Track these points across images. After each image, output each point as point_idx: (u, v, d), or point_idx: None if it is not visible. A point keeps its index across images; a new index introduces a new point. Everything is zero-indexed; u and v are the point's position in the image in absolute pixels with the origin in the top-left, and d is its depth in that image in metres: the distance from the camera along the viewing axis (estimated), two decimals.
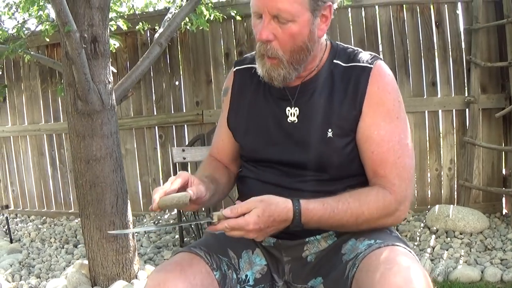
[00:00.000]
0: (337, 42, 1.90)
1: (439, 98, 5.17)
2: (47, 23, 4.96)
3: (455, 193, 5.21)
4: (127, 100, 5.08)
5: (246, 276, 1.79)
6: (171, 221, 5.71)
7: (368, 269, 1.50)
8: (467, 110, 5.06)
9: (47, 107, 6.47)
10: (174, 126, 5.92)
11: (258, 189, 1.84)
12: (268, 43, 1.68)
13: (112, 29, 4.61)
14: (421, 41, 5.19)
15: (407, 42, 5.21)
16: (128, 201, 3.79)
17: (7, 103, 6.71)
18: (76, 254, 4.79)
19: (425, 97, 5.20)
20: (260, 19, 1.68)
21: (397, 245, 1.58)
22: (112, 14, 4.74)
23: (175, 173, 5.01)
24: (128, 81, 3.91)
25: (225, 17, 5.15)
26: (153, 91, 5.98)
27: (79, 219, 3.99)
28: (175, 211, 5.43)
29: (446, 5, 5.12)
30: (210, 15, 4.93)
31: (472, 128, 4.96)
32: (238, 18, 5.22)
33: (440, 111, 5.19)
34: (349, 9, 5.27)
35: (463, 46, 5.13)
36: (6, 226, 5.57)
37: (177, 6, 4.64)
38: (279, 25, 1.65)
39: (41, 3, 4.82)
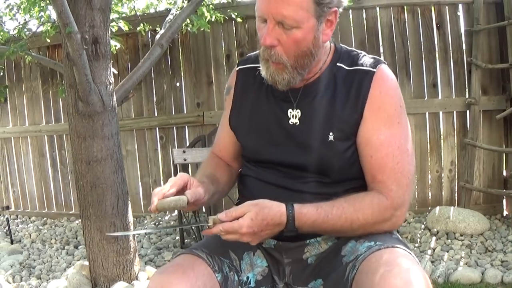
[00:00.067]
0: (341, 44, 1.89)
1: (440, 100, 5.17)
2: (48, 24, 4.97)
3: (456, 194, 5.21)
4: (128, 101, 5.08)
5: (248, 278, 1.79)
6: (172, 223, 5.71)
7: (368, 271, 1.49)
8: (468, 111, 5.06)
9: (48, 108, 6.46)
10: (175, 128, 5.92)
11: (258, 189, 1.85)
12: (272, 48, 1.67)
13: (113, 30, 4.61)
14: (422, 43, 5.19)
15: (408, 43, 5.21)
16: (129, 202, 3.80)
17: (8, 104, 6.71)
18: (77, 255, 4.79)
19: (426, 98, 5.20)
20: (264, 23, 1.67)
21: (397, 247, 1.57)
22: (113, 15, 4.75)
23: (175, 175, 5.01)
24: (129, 82, 3.91)
25: (226, 18, 5.16)
26: (154, 92, 5.98)
27: (80, 220, 4.00)
28: (176, 212, 5.43)
29: (447, 7, 5.12)
30: (211, 17, 4.93)
31: (472, 130, 4.96)
32: (239, 19, 5.22)
33: (441, 113, 5.20)
34: (350, 11, 5.27)
35: (464, 48, 5.13)
36: (7, 227, 5.57)
37: (178, 8, 4.64)
38: (283, 30, 1.64)
39: (42, 4, 4.83)
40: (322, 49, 1.76)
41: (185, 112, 5.87)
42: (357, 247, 1.67)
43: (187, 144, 5.62)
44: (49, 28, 4.88)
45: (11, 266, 4.56)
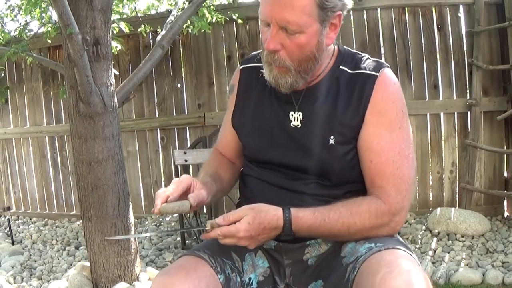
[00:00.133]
0: (344, 47, 1.88)
1: (441, 101, 5.17)
2: (49, 25, 4.97)
3: (457, 195, 5.21)
4: (129, 102, 5.09)
5: (250, 279, 1.79)
6: (173, 224, 5.70)
7: (368, 272, 1.49)
8: (469, 112, 5.06)
9: (49, 109, 6.47)
10: (176, 129, 5.92)
11: (259, 189, 1.85)
12: (276, 53, 1.67)
13: (114, 31, 4.61)
14: (423, 44, 5.19)
15: (409, 45, 5.22)
16: (130, 203, 3.80)
17: (9, 105, 6.71)
18: (78, 256, 4.79)
19: (427, 99, 5.20)
20: (268, 27, 1.67)
21: (398, 248, 1.57)
22: (114, 17, 4.75)
23: (176, 176, 5.02)
24: (130, 84, 3.91)
25: (227, 19, 5.16)
26: (155, 94, 5.98)
27: (81, 221, 4.00)
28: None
29: (448, 8, 5.13)
30: (212, 18, 4.93)
31: (473, 131, 4.96)
32: (240, 21, 5.22)
33: (442, 114, 5.20)
34: (351, 12, 5.27)
35: (465, 49, 5.13)
36: (8, 228, 5.57)
37: (179, 9, 4.65)
38: (287, 35, 1.63)
39: (43, 6, 4.83)
40: (325, 52, 1.76)
41: (186, 113, 5.88)
42: (357, 248, 1.67)
43: (188, 145, 5.63)
44: (50, 29, 4.88)
45: (12, 267, 4.56)
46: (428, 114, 5.20)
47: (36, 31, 5.27)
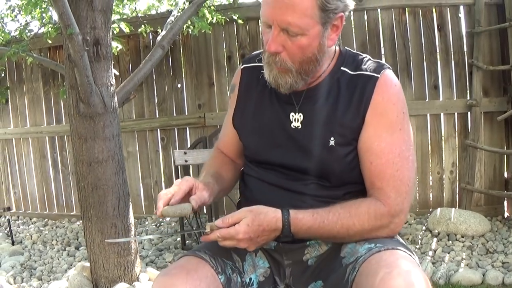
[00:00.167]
0: (346, 48, 1.87)
1: (441, 101, 5.17)
2: (50, 25, 4.98)
3: (457, 196, 5.21)
4: (129, 102, 5.09)
5: (250, 279, 1.80)
6: (173, 224, 5.70)
7: (368, 273, 1.49)
8: (469, 113, 5.06)
9: (49, 109, 6.47)
10: (176, 129, 5.92)
11: (260, 189, 1.86)
12: (277, 54, 1.67)
13: (115, 31, 4.62)
14: (423, 44, 5.19)
15: (409, 45, 5.21)
16: (130, 203, 3.80)
17: (9, 105, 6.71)
18: (78, 256, 4.79)
19: (427, 100, 5.20)
20: (269, 28, 1.66)
21: (398, 249, 1.57)
22: (114, 17, 4.75)
23: (177, 176, 5.02)
24: (130, 84, 3.91)
25: (227, 20, 5.16)
26: (155, 94, 5.98)
27: (81, 221, 4.00)
28: None
29: (448, 9, 5.12)
30: (212, 18, 4.93)
31: (474, 131, 4.96)
32: (240, 21, 5.22)
33: (442, 114, 5.20)
34: (352, 12, 5.22)
35: (465, 50, 5.12)
36: (8, 228, 5.57)
37: (179, 9, 4.65)
38: (288, 37, 1.63)
39: (43, 6, 4.83)
40: (327, 54, 1.76)
41: (186, 113, 5.88)
42: (357, 249, 1.67)
43: (188, 146, 5.63)
44: (50, 29, 4.89)
45: (12, 267, 4.57)
46: (428, 115, 5.20)
47: (36, 32, 5.28)
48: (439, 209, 4.82)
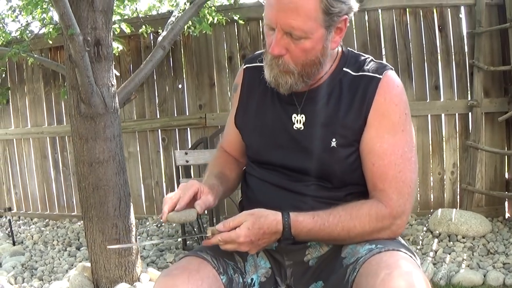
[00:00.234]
0: (348, 48, 1.87)
1: (442, 102, 5.17)
2: (51, 26, 4.98)
3: (458, 197, 5.21)
4: (130, 103, 5.09)
5: (252, 279, 1.80)
6: (173, 225, 5.70)
7: (368, 273, 1.49)
8: (470, 114, 5.06)
9: (50, 109, 6.48)
10: (177, 129, 5.92)
11: (261, 190, 1.86)
12: (280, 57, 1.66)
13: (116, 32, 4.62)
14: (424, 45, 5.19)
15: (410, 46, 5.21)
16: (131, 204, 3.80)
17: (10, 105, 6.72)
18: (79, 256, 4.79)
19: (428, 100, 5.20)
20: (272, 31, 1.65)
21: (398, 250, 1.57)
22: (115, 17, 4.75)
23: (177, 177, 5.01)
24: (131, 84, 3.91)
25: (228, 20, 5.16)
26: (156, 94, 5.98)
27: (82, 221, 4.00)
28: None
29: (449, 9, 5.12)
30: (213, 19, 4.93)
31: (475, 132, 4.96)
32: (241, 22, 5.22)
33: (443, 115, 5.20)
34: (352, 13, 5.25)
35: (466, 50, 5.12)
36: (9, 229, 5.57)
37: (180, 10, 4.65)
38: (292, 40, 1.62)
39: (44, 6, 4.84)
40: (329, 56, 1.75)
41: (187, 114, 5.88)
42: (357, 249, 1.66)
43: (189, 146, 5.64)
44: (51, 30, 4.89)
45: (13, 268, 4.57)
46: (429, 115, 5.20)
47: (37, 32, 5.28)
48: (440, 209, 4.82)
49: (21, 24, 5.37)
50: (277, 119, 1.83)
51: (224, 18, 5.05)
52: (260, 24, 5.50)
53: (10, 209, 5.97)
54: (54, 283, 3.98)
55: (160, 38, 4.08)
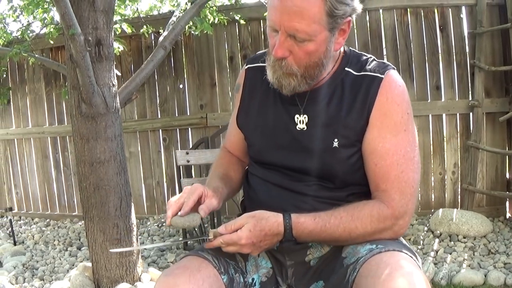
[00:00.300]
0: (350, 48, 1.86)
1: (443, 102, 5.17)
2: (52, 26, 4.98)
3: (459, 197, 5.21)
4: (131, 103, 5.09)
5: (253, 279, 1.80)
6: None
7: (368, 274, 1.49)
8: (471, 114, 5.06)
9: (51, 109, 6.48)
10: (178, 129, 5.93)
11: (263, 189, 1.86)
12: (283, 59, 1.66)
13: (117, 32, 4.61)
14: (425, 45, 5.19)
15: (411, 46, 5.21)
16: (132, 204, 3.79)
17: (11, 105, 6.73)
18: (80, 256, 4.79)
19: (429, 101, 5.20)
20: (275, 32, 1.65)
21: (399, 251, 1.57)
22: (116, 17, 4.75)
23: (179, 177, 5.00)
24: (132, 84, 3.91)
25: (229, 20, 5.16)
26: (157, 94, 5.99)
27: (83, 221, 4.00)
28: None
29: (450, 9, 5.12)
30: (214, 19, 4.93)
31: (476, 132, 4.96)
32: (242, 22, 5.22)
33: (444, 115, 5.20)
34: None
35: (467, 50, 5.12)
36: (10, 228, 5.57)
37: (181, 10, 4.64)
38: (295, 42, 1.62)
39: (45, 6, 4.84)
40: (332, 57, 1.75)
41: (188, 114, 5.88)
42: (358, 249, 1.67)
43: (190, 146, 5.64)
44: (52, 29, 4.89)
45: (14, 267, 4.57)
46: (430, 115, 5.20)
47: (38, 32, 5.28)
48: (441, 209, 4.81)
49: (22, 24, 5.37)
50: (279, 120, 1.83)
51: (225, 18, 5.05)
52: (261, 24, 5.50)
53: (11, 209, 5.97)
54: (55, 283, 3.98)
55: (161, 38, 4.08)
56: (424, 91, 5.20)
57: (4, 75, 6.41)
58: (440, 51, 5.18)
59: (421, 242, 4.48)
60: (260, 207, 1.68)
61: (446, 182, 5.23)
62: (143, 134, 6.05)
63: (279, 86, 1.73)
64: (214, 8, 5.01)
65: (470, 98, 5.07)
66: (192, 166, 4.77)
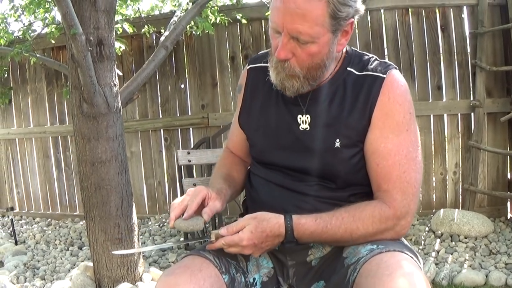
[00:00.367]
0: (352, 48, 1.86)
1: (445, 102, 5.16)
2: (53, 25, 4.98)
3: (460, 197, 5.20)
4: (133, 103, 5.09)
5: (254, 279, 1.80)
6: None
7: (368, 274, 1.49)
8: (472, 114, 5.06)
9: (52, 109, 6.48)
10: (179, 129, 5.92)
11: (265, 189, 1.86)
12: (286, 61, 1.66)
13: (118, 32, 4.61)
14: (426, 45, 5.18)
15: (413, 46, 5.21)
16: (133, 203, 3.79)
17: (12, 105, 6.73)
18: (81, 256, 4.80)
19: (430, 101, 5.19)
20: (278, 34, 1.64)
21: (399, 251, 1.57)
22: (117, 17, 4.75)
23: (180, 176, 5.00)
24: (133, 84, 3.91)
25: (230, 20, 5.16)
26: (159, 94, 5.99)
27: (84, 221, 4.00)
28: None
29: (451, 9, 5.12)
30: (215, 19, 4.93)
31: (477, 132, 4.96)
32: (243, 21, 5.22)
33: (445, 115, 5.19)
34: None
35: (468, 50, 5.12)
36: (11, 228, 5.58)
37: (183, 9, 4.65)
38: (298, 44, 1.62)
39: (47, 6, 4.84)
40: (335, 58, 1.75)
41: (189, 114, 5.88)
42: (359, 250, 1.67)
43: (192, 146, 5.64)
44: (53, 29, 4.90)
45: (15, 267, 4.57)
46: (431, 115, 5.20)
47: (39, 32, 5.28)
48: (442, 210, 4.82)
49: (24, 24, 5.37)
50: (282, 120, 1.83)
51: (227, 18, 5.05)
52: (263, 24, 5.50)
53: (12, 208, 5.98)
54: (56, 282, 3.98)
55: (162, 38, 4.08)
56: (426, 91, 5.20)
57: (6, 75, 6.40)
58: (441, 51, 5.18)
59: (422, 242, 4.48)
60: (261, 207, 1.68)
61: (447, 182, 5.23)
62: (144, 134, 6.05)
63: (283, 88, 1.73)
64: (216, 8, 5.01)
65: (472, 98, 5.07)
66: (194, 166, 4.77)
